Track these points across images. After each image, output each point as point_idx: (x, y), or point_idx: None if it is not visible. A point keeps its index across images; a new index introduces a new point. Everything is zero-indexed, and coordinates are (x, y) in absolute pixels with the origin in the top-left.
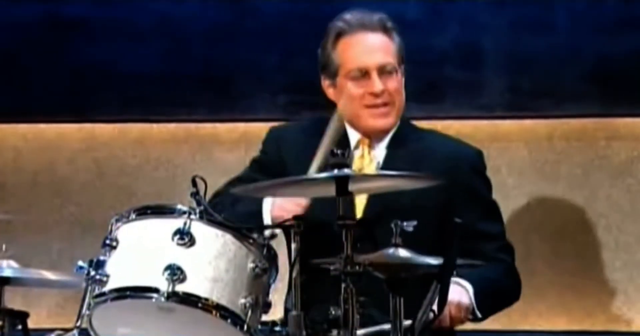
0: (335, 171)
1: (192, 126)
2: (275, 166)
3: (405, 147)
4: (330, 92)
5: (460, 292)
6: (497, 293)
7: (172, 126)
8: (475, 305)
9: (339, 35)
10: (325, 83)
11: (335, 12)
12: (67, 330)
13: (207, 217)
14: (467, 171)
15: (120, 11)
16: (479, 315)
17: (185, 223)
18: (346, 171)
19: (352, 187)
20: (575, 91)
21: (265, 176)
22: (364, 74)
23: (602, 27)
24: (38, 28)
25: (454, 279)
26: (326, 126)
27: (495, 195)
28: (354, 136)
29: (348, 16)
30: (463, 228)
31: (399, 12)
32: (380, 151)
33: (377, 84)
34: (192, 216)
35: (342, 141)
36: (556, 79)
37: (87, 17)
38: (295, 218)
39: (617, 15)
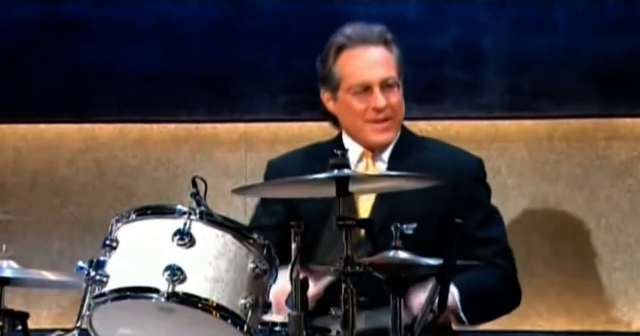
0: (336, 172)
1: (192, 126)
2: None
3: (408, 157)
4: (330, 105)
5: None
6: (489, 299)
7: (172, 126)
8: (460, 309)
9: (340, 49)
10: (325, 96)
11: (335, 12)
12: (67, 331)
13: (207, 217)
14: (469, 180)
15: (120, 11)
16: (464, 319)
17: (185, 224)
18: (346, 171)
19: (352, 188)
20: (575, 91)
21: (277, 206)
22: (366, 88)
23: (602, 27)
24: (38, 28)
25: None
26: (321, 150)
27: (496, 196)
28: (356, 149)
29: (348, 30)
30: (463, 231)
31: (399, 12)
32: (383, 163)
33: (380, 99)
34: (192, 217)
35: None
36: (556, 79)
37: (87, 17)
38: (295, 218)
39: (617, 15)
